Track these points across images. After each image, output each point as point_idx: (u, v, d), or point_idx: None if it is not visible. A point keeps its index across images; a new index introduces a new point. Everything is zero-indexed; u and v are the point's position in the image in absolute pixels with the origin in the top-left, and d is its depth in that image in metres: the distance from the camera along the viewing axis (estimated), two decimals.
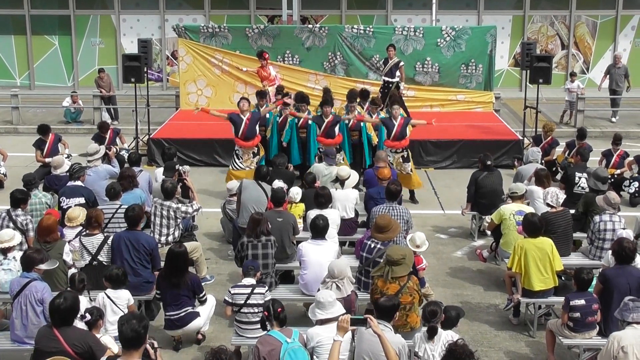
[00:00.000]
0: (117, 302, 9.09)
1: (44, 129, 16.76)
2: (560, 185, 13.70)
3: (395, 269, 8.80)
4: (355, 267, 10.47)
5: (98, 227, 10.47)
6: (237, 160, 15.50)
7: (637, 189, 15.67)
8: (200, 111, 16.10)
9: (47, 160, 15.95)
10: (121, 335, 6.63)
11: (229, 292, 9.32)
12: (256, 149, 15.64)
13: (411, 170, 15.65)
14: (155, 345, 7.04)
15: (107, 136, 16.96)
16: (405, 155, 15.61)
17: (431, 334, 8.22)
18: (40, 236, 10.08)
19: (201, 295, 9.74)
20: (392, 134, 15.40)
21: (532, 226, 10.25)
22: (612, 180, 15.53)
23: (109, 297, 9.09)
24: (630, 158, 16.30)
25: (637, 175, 15.85)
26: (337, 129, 15.89)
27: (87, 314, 8.12)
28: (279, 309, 7.91)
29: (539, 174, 12.63)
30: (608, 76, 23.42)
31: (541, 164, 14.28)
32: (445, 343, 7.96)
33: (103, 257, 10.26)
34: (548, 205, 11.40)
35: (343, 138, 16.15)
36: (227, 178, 15.40)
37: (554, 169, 16.52)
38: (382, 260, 9.06)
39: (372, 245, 10.05)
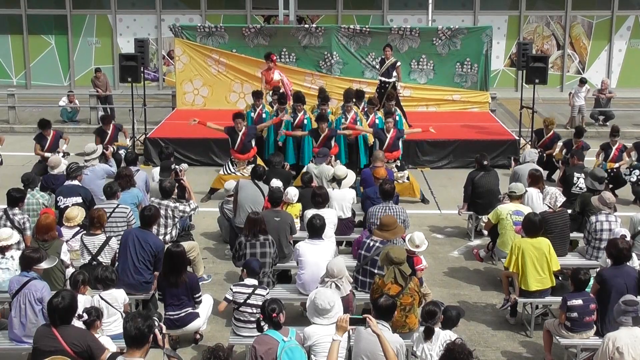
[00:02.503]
0: (113, 303, 9.08)
1: (43, 124, 16.77)
2: (558, 185, 13.73)
3: (403, 268, 8.89)
4: (352, 266, 10.51)
5: (100, 227, 10.47)
6: (230, 166, 15.60)
7: (638, 177, 15.62)
8: (197, 124, 15.96)
9: (46, 154, 15.99)
10: (125, 332, 6.62)
11: (231, 289, 9.36)
12: (252, 158, 15.72)
13: (408, 178, 15.64)
14: (164, 330, 7.03)
15: (109, 131, 16.97)
16: (399, 165, 15.62)
17: (428, 335, 8.24)
18: (39, 234, 10.08)
19: (197, 295, 9.72)
20: (385, 145, 15.39)
21: (532, 226, 10.26)
22: (612, 173, 15.58)
23: (103, 299, 9.07)
24: (629, 144, 16.26)
25: (636, 163, 15.80)
26: (332, 141, 15.90)
27: (84, 314, 8.11)
28: (274, 314, 7.90)
29: (533, 175, 12.66)
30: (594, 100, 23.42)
31: (541, 156, 14.18)
32: (443, 343, 7.98)
33: (103, 258, 10.26)
34: (547, 206, 11.44)
35: (339, 148, 16.20)
36: (216, 182, 15.58)
37: (557, 162, 16.47)
38: (385, 264, 9.06)
39: (371, 244, 10.10)
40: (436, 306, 8.36)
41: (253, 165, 15.29)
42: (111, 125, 17.19)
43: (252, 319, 9.05)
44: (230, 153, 15.77)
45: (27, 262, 8.99)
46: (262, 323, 8.01)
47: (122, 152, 16.90)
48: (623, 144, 16.48)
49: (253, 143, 15.77)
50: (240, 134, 15.43)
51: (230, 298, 9.28)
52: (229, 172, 15.52)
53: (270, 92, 18.53)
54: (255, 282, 9.36)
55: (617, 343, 8.02)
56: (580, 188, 13.25)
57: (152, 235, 10.46)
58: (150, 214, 10.39)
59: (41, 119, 17.18)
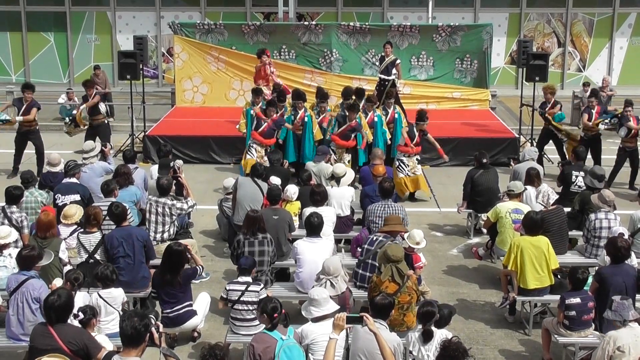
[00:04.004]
0: (111, 302, 9.06)
1: (27, 85, 17.17)
2: (557, 184, 13.69)
3: (400, 266, 8.90)
4: (350, 265, 10.51)
5: (97, 225, 10.44)
6: (254, 152, 15.93)
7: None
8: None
9: (17, 119, 16.91)
10: (121, 331, 6.61)
11: (225, 287, 9.36)
12: (271, 146, 16.00)
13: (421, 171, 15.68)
14: (161, 329, 7.01)
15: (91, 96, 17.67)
16: (420, 158, 15.71)
17: (427, 338, 8.18)
18: (40, 232, 10.04)
19: (196, 277, 9.95)
20: (414, 140, 15.57)
21: (533, 224, 10.23)
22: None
23: (101, 297, 9.05)
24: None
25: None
26: (353, 135, 16.00)
27: (80, 313, 8.08)
28: (275, 315, 7.87)
29: (529, 173, 12.63)
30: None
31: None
32: (439, 342, 7.95)
33: (100, 256, 10.23)
34: (540, 204, 11.43)
35: (357, 144, 16.25)
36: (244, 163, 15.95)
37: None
38: (382, 262, 9.06)
39: (375, 238, 10.17)
40: (432, 306, 8.30)
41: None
42: (94, 93, 17.73)
43: (248, 316, 9.06)
44: (252, 135, 16.11)
45: (28, 262, 8.92)
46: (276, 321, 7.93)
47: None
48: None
49: (275, 134, 16.22)
50: (269, 119, 16.00)
51: (225, 296, 9.28)
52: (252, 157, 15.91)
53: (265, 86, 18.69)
54: (248, 279, 9.34)
55: (618, 342, 7.98)
56: (579, 186, 13.21)
57: (133, 228, 10.55)
58: (119, 211, 10.42)
59: (25, 82, 17.28)
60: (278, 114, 16.64)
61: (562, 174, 13.74)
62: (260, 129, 15.98)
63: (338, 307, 8.20)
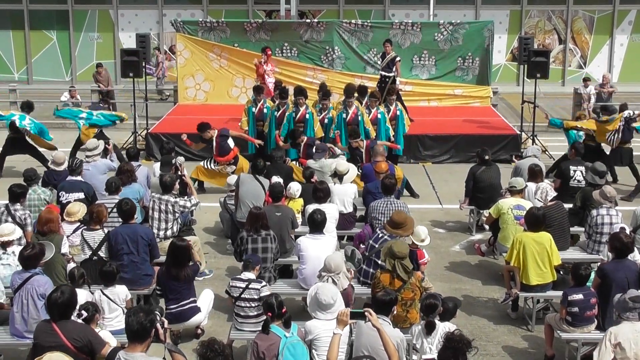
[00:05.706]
0: (114, 298, 9.09)
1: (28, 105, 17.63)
2: (556, 181, 13.70)
3: (405, 263, 8.93)
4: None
5: (99, 222, 10.48)
6: (211, 164, 15.75)
7: None
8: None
9: None
10: (127, 327, 6.63)
11: (229, 283, 9.40)
12: (232, 160, 15.79)
13: None
14: (166, 325, 7.03)
15: None
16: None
17: (429, 330, 8.24)
18: (39, 226, 10.09)
19: (198, 274, 10.06)
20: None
21: (535, 219, 10.24)
22: None
23: (104, 294, 9.08)
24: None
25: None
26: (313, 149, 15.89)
27: (83, 312, 8.09)
28: (283, 310, 7.91)
29: (532, 169, 12.64)
30: (595, 95, 23.20)
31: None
32: (442, 335, 7.99)
33: (103, 253, 10.26)
34: (538, 200, 11.46)
35: (340, 133, 16.16)
36: (194, 172, 15.69)
37: None
38: (387, 258, 9.09)
39: (380, 235, 10.17)
40: (435, 299, 8.35)
41: (234, 167, 15.55)
42: None
43: (251, 313, 9.08)
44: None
45: (31, 261, 8.89)
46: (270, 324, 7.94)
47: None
48: None
49: (231, 144, 15.77)
50: (214, 139, 15.59)
51: (228, 290, 9.31)
52: (208, 167, 15.72)
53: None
54: (251, 275, 9.35)
55: (619, 338, 8.01)
56: (579, 181, 13.22)
57: (138, 226, 10.59)
58: (128, 208, 10.46)
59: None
60: (279, 112, 16.63)
61: (560, 169, 13.74)
62: (214, 149, 15.74)
63: (343, 306, 8.22)
